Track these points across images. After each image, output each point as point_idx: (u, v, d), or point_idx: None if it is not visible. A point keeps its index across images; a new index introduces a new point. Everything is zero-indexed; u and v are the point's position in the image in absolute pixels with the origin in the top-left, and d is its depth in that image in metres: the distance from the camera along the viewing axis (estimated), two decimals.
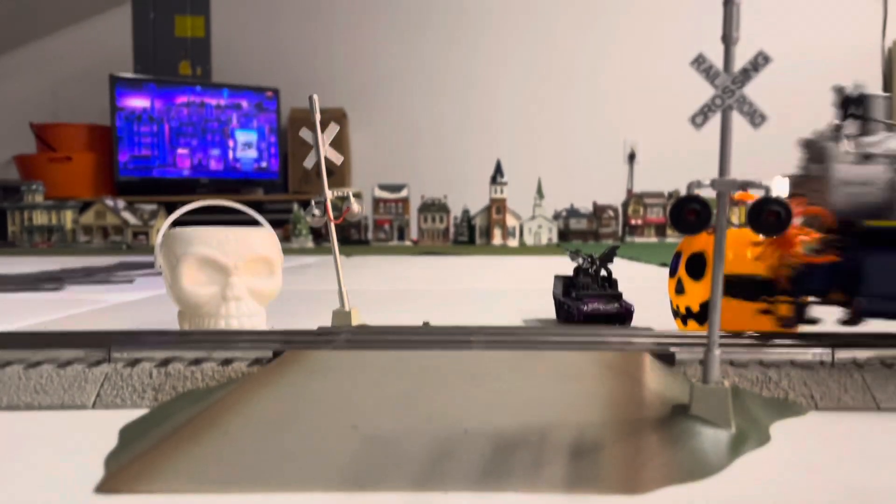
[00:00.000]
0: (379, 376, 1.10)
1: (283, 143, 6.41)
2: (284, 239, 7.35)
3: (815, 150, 1.29)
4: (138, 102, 5.44)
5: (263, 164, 6.16)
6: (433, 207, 8.58)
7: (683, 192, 1.35)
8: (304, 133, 1.61)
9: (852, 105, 1.28)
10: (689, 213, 0.98)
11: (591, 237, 8.69)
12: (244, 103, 5.89)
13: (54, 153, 8.89)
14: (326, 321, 1.59)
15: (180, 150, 5.61)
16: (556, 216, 8.56)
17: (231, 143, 5.84)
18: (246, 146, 5.79)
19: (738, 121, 0.96)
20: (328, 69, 6.17)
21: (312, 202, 1.61)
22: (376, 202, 8.49)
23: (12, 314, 2.38)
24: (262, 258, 1.65)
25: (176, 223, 1.66)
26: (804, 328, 1.35)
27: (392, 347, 1.25)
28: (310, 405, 1.02)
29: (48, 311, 2.45)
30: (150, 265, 2.59)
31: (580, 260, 1.99)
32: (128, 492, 0.82)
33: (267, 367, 1.18)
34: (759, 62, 0.93)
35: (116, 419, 1.07)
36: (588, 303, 1.80)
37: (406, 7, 6.16)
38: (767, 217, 0.96)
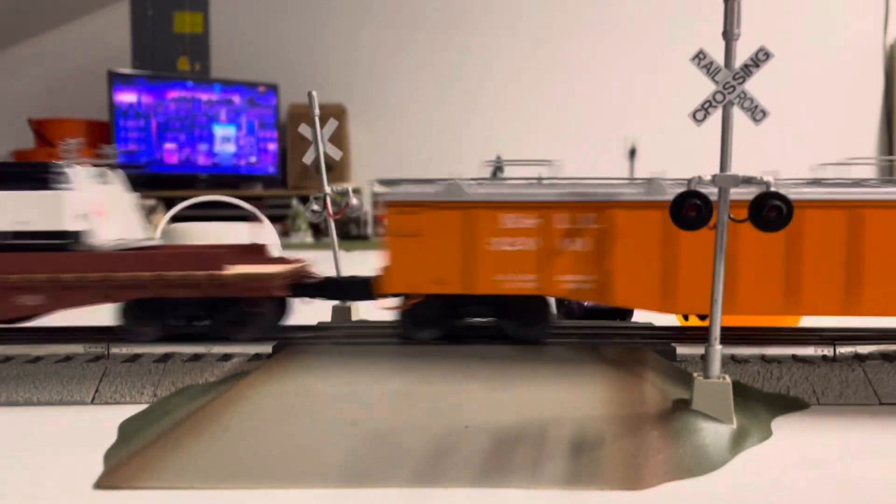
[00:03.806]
0: (379, 372, 1.10)
1: (282, 139, 6.39)
2: (283, 234, 7.32)
3: None
4: (126, 97, 5.41)
5: (252, 160, 6.10)
6: None
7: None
8: (304, 129, 1.60)
9: None
10: (689, 208, 0.98)
11: None
12: (236, 98, 5.85)
13: (53, 149, 8.89)
14: (326, 317, 1.59)
15: (167, 146, 5.57)
16: None
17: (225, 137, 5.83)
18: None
19: (739, 116, 0.96)
20: (328, 65, 6.15)
21: (312, 198, 1.60)
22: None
23: None
24: None
25: (175, 218, 1.66)
26: None
27: (391, 343, 1.25)
28: (309, 401, 1.02)
29: None
30: None
31: None
32: (127, 488, 0.82)
33: (266, 363, 1.18)
34: (761, 58, 0.93)
35: (115, 415, 1.06)
36: None
37: (406, 2, 6.14)
38: (769, 213, 0.96)
